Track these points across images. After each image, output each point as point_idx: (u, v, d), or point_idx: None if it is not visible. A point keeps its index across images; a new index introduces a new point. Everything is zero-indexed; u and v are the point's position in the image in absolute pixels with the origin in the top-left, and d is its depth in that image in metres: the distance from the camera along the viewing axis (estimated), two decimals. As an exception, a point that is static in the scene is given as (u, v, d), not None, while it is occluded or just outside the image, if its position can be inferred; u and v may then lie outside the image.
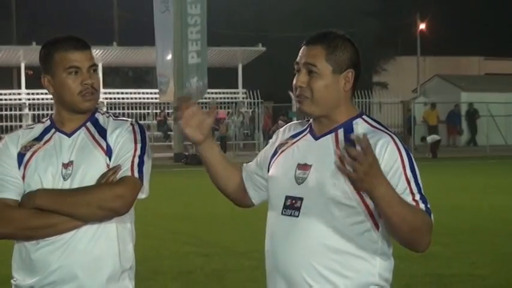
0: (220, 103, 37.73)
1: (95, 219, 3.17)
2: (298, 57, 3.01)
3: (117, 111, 36.15)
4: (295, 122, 3.24)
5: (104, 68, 38.25)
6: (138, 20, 38.89)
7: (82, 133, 3.29)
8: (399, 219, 2.78)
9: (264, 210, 3.24)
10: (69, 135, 3.29)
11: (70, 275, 3.18)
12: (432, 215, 2.89)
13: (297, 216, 2.93)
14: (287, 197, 2.98)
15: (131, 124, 3.33)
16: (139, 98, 38.83)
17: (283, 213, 2.97)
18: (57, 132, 3.31)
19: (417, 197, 2.86)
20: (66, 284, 3.19)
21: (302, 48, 3.01)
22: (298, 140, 3.09)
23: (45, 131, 3.34)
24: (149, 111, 37.43)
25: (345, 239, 2.89)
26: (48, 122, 3.38)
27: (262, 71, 42.87)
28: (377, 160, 2.70)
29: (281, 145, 3.14)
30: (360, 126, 2.98)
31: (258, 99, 36.43)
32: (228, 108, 37.62)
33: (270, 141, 3.22)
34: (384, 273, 2.96)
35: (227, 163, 3.23)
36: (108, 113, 3.42)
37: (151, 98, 37.49)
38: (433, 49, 51.14)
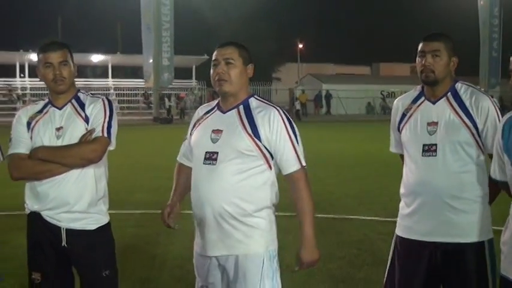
0: (182, 88, 37.24)
1: (78, 166, 2.81)
2: (217, 56, 2.64)
3: (122, 92, 35.86)
4: (204, 105, 2.85)
5: (112, 67, 37.82)
6: (133, 36, 37.48)
7: (68, 107, 2.90)
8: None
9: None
10: (59, 108, 2.90)
11: (63, 202, 2.82)
12: (304, 161, 2.62)
13: (215, 165, 2.58)
14: (206, 152, 2.61)
15: (102, 100, 2.93)
16: (134, 84, 37.69)
17: (204, 163, 2.61)
18: (52, 107, 2.92)
19: (298, 161, 2.61)
20: (60, 208, 2.83)
21: (218, 50, 2.66)
22: (210, 115, 2.73)
23: (45, 106, 2.95)
24: (139, 92, 36.56)
25: (248, 177, 2.57)
26: (46, 100, 2.98)
27: (207, 70, 42.37)
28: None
29: (198, 120, 2.77)
30: (254, 103, 2.64)
31: (204, 86, 36.20)
32: (186, 91, 37.17)
33: (190, 123, 2.83)
34: (274, 199, 2.66)
35: (185, 183, 2.80)
36: (87, 92, 3.00)
37: (141, 84, 36.41)
38: (306, 59, 51.70)
